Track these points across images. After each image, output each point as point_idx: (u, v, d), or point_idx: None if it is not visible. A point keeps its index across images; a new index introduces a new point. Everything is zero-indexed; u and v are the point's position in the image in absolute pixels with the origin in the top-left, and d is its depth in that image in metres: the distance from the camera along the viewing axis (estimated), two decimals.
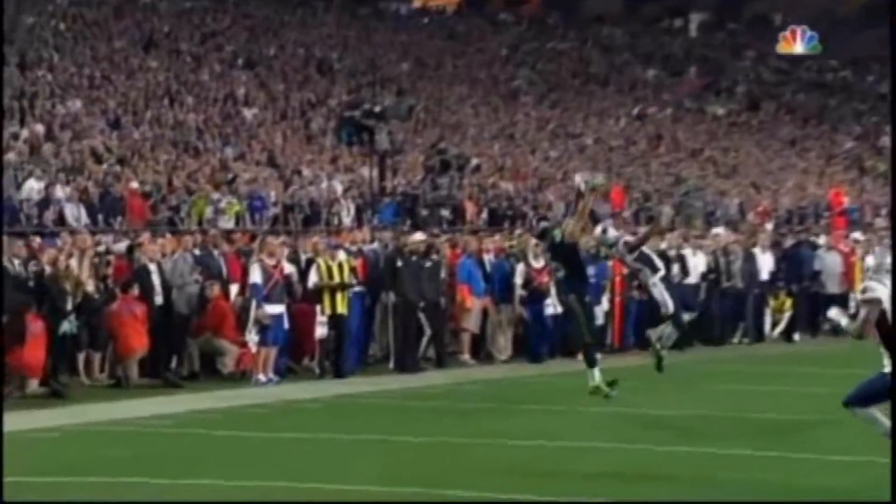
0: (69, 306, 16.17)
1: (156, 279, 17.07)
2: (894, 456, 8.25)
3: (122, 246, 17.66)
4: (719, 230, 24.60)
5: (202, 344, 17.44)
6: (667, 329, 13.16)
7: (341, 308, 17.56)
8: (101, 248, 17.67)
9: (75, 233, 19.23)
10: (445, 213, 26.76)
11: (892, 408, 8.64)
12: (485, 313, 19.75)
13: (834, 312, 9.07)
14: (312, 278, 17.60)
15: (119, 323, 16.52)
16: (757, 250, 22.84)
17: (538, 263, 18.84)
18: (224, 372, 17.42)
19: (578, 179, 12.15)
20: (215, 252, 18.27)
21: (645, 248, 13.31)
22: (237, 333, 17.38)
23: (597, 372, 12.00)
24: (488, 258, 19.91)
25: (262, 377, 16.86)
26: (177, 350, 17.42)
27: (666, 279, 13.86)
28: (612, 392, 11.97)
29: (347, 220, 25.77)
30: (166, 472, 10.21)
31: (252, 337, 16.94)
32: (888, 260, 9.28)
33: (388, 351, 18.83)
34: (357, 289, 18.07)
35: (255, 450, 11.64)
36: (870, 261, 9.61)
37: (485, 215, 27.89)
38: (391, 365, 18.48)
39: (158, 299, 17.04)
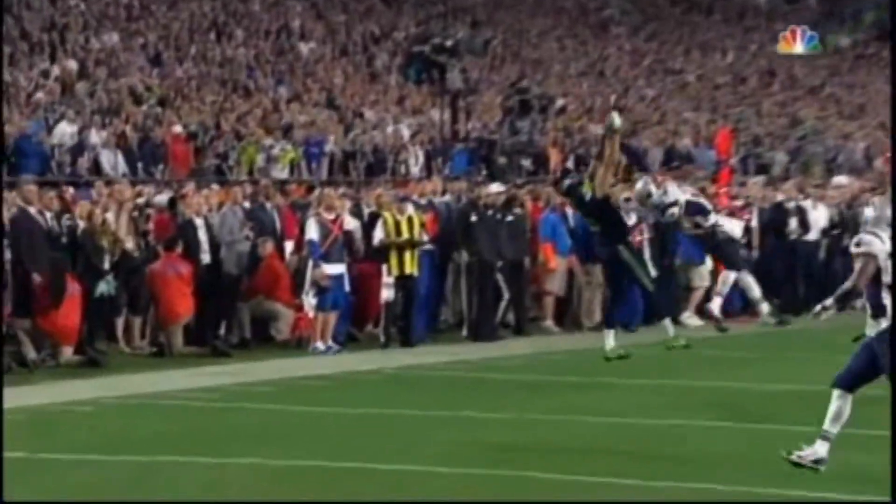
0: (106, 265, 16.40)
1: (202, 235, 17.26)
2: (894, 456, 8.45)
3: (163, 198, 17.85)
4: (842, 179, 24.30)
5: (254, 308, 17.63)
6: (734, 279, 12.88)
7: (410, 268, 17.66)
8: (141, 201, 17.89)
9: (112, 183, 19.51)
10: (526, 161, 26.72)
11: (893, 393, 8.88)
12: (571, 274, 19.74)
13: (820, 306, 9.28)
14: (378, 235, 17.71)
15: (161, 284, 16.76)
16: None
17: (630, 219, 18.77)
18: (278, 339, 17.63)
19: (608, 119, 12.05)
20: (268, 205, 18.44)
21: (691, 196, 13.11)
22: (292, 296, 17.55)
23: (670, 325, 12.03)
24: (572, 213, 19.85)
25: (320, 345, 17.03)
26: (225, 315, 17.64)
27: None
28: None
29: (416, 170, 25.83)
30: (213, 450, 10.38)
31: (309, 300, 17.10)
32: (889, 212, 9.35)
33: (461, 316, 18.91)
34: (427, 247, 18.15)
35: (312, 426, 11.79)
36: (868, 213, 9.58)
37: (571, 163, 27.78)
38: (465, 332, 18.56)
39: (205, 258, 17.25)
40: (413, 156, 26.27)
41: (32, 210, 16.22)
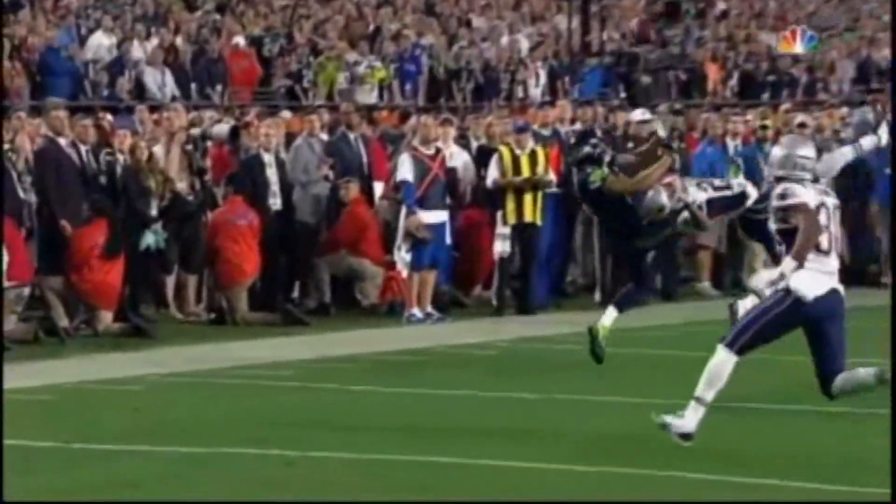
0: (153, 211, 16.68)
1: (271, 175, 17.45)
2: (894, 456, 8.98)
3: (224, 128, 18.01)
4: None
5: (334, 265, 17.81)
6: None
7: (530, 215, 17.71)
8: (196, 131, 18.10)
9: (160, 108, 19.77)
10: (677, 78, 26.61)
11: (893, 390, 9.68)
12: (731, 225, 19.65)
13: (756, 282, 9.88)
14: (490, 174, 17.77)
15: (223, 235, 16.98)
16: None
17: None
18: (364, 304, 17.80)
19: (654, 124, 12.12)
20: (351, 136, 18.57)
21: (715, 193, 12.99)
22: (382, 251, 17.70)
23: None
24: (735, 145, 19.78)
25: (416, 312, 17.18)
26: (300, 274, 17.86)
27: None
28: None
29: (537, 92, 25.82)
30: (286, 440, 10.54)
31: (402, 256, 17.22)
32: (803, 151, 9.89)
33: (592, 277, 18.96)
34: (552, 189, 18.18)
35: (407, 412, 11.92)
36: (775, 152, 9.98)
37: (734, 83, 27.61)
38: (597, 297, 18.59)
39: (274, 203, 17.46)
40: (533, 74, 26.25)
41: (63, 142, 16.54)
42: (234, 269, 16.93)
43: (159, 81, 23.02)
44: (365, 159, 18.42)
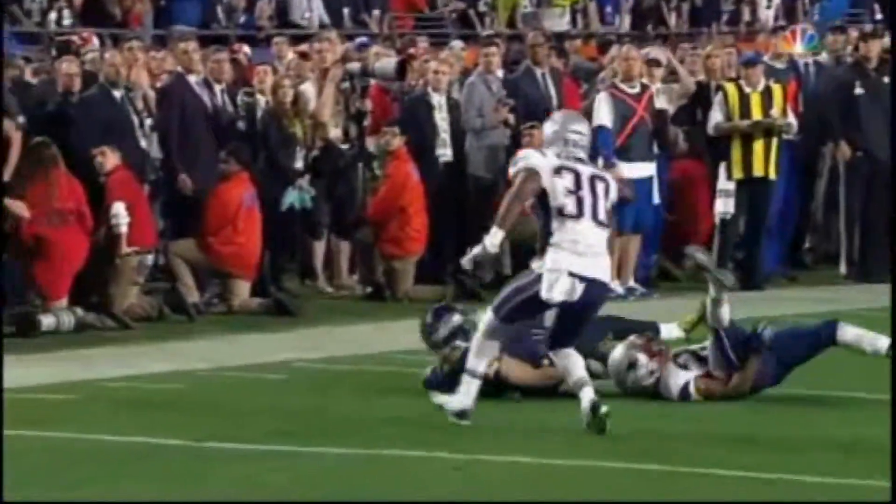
0: (299, 164, 16.97)
1: (440, 121, 17.64)
2: (894, 455, 9.62)
3: (389, 63, 17.99)
4: None
5: (515, 229, 17.93)
6: None
7: (761, 169, 17.71)
8: (354, 66, 18.22)
9: (307, 39, 20.00)
10: None
11: (892, 387, 10.65)
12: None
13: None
14: (713, 117, 17.79)
15: (408, 195, 17.21)
16: None
17: None
18: None
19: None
20: (537, 72, 18.65)
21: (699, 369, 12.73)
22: None
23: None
24: None
25: (616, 286, 17.26)
26: (474, 240, 17.99)
27: None
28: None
29: (768, 15, 25.71)
30: (458, 441, 10.68)
31: None
32: (575, 126, 11.03)
33: (837, 244, 18.90)
34: (790, 136, 18.13)
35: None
36: (547, 128, 11.06)
37: None
38: (842, 269, 18.62)
39: (444, 154, 17.67)
40: None
41: (192, 79, 16.83)
42: (412, 235, 17.20)
43: (305, 6, 23.27)
44: (554, 101, 18.48)
